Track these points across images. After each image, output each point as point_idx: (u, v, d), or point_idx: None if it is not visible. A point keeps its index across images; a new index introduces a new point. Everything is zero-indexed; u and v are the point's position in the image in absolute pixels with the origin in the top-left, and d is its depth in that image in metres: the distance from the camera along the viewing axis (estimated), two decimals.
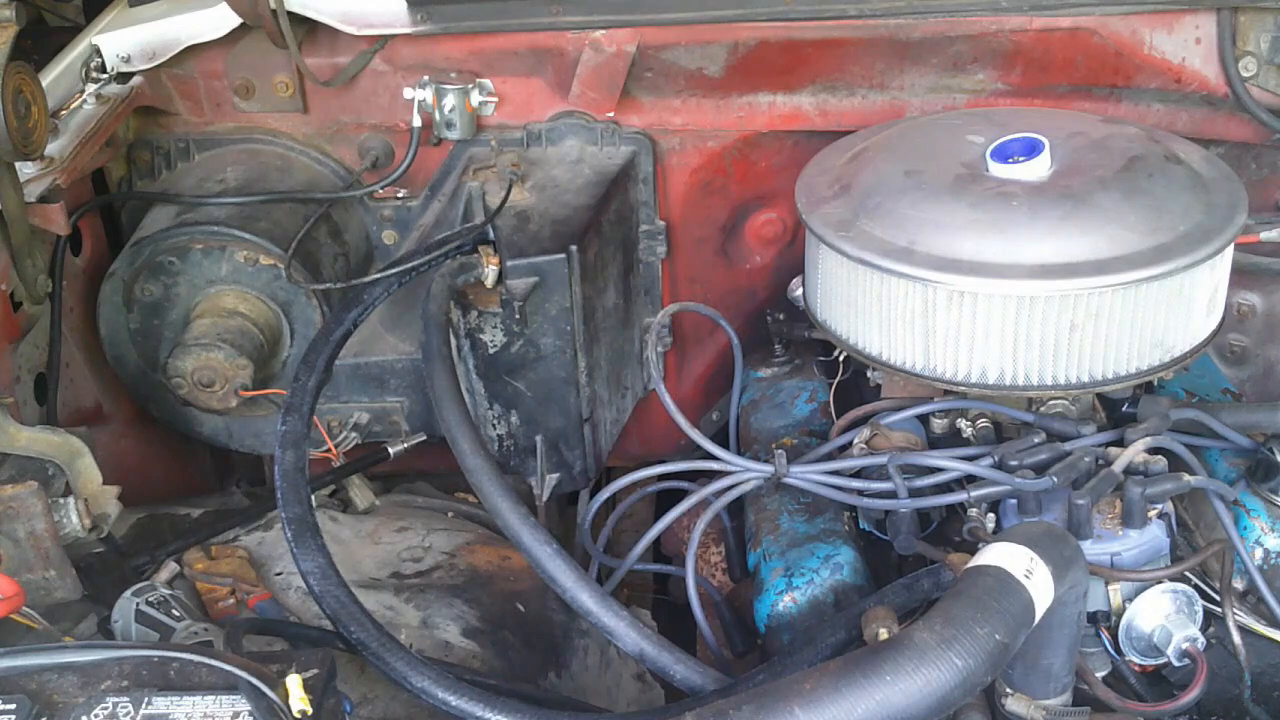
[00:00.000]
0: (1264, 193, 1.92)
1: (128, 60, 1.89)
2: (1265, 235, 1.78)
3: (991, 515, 1.40)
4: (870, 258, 1.45)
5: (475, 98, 1.91)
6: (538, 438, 1.86)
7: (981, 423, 1.53)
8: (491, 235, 1.73)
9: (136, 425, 1.93)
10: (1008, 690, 1.22)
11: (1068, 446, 1.42)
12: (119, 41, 1.88)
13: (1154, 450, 1.42)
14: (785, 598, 1.49)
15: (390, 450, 1.87)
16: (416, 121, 1.89)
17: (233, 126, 1.97)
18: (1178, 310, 1.43)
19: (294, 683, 1.00)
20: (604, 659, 1.72)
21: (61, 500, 1.41)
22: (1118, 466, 1.38)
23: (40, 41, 2.24)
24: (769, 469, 1.52)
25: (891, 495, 1.44)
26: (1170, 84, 1.84)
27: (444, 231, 1.86)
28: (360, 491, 1.85)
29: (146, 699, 1.01)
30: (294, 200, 1.87)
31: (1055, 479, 1.36)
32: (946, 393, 1.53)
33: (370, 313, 1.67)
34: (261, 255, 1.78)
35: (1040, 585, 1.09)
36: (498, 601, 1.65)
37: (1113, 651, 1.37)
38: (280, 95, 1.93)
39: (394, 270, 1.66)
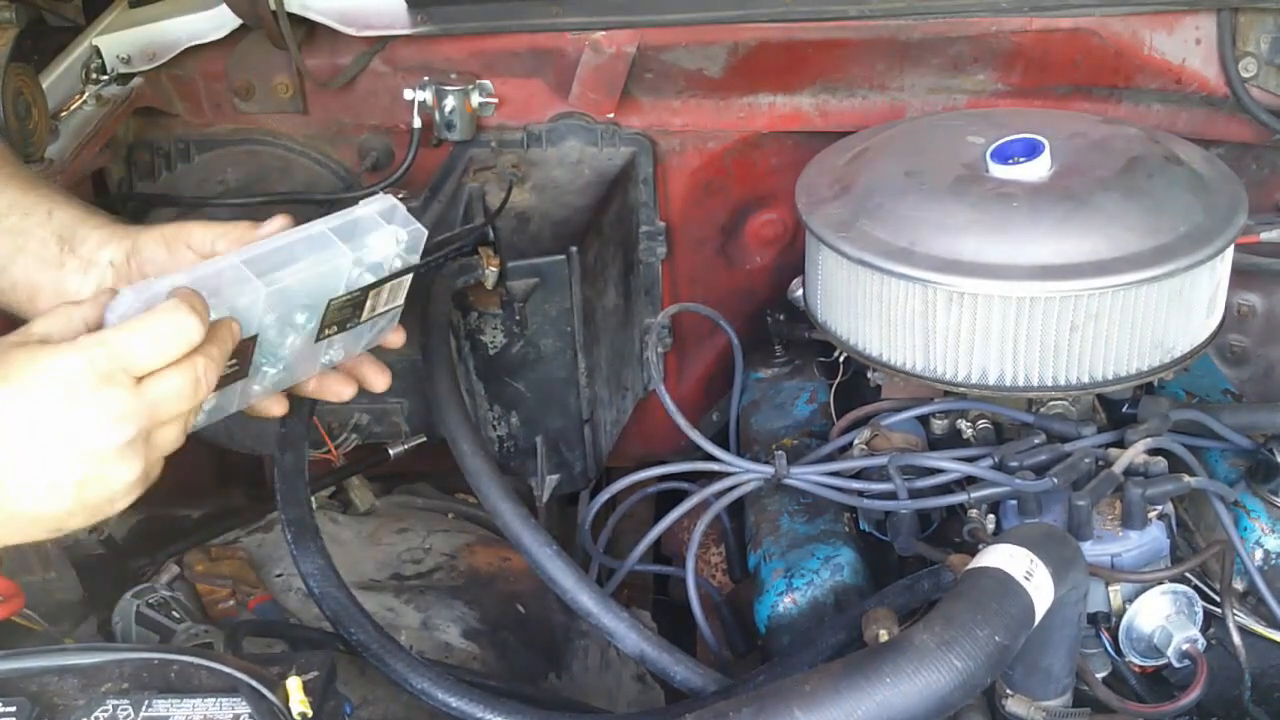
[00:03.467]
0: (1264, 193, 1.92)
1: (128, 61, 1.89)
2: (1265, 236, 1.77)
3: (991, 516, 1.40)
4: (870, 258, 1.45)
5: (475, 99, 1.91)
6: (538, 438, 1.86)
7: (982, 424, 1.53)
8: (492, 236, 1.72)
9: None
10: (1008, 691, 1.22)
11: (1068, 447, 1.42)
12: (119, 42, 1.88)
13: (1154, 451, 1.41)
14: (785, 599, 1.49)
15: (390, 451, 1.87)
16: (416, 123, 1.89)
17: (233, 128, 1.97)
18: (1178, 311, 1.43)
19: (294, 685, 0.99)
20: (604, 660, 1.72)
21: None
22: (1118, 467, 1.38)
23: (40, 41, 2.24)
24: (769, 470, 1.52)
25: (892, 496, 1.44)
26: (1170, 85, 1.84)
27: (444, 233, 1.86)
28: (360, 493, 1.85)
29: (147, 701, 1.01)
30: (294, 202, 1.87)
31: (1055, 480, 1.36)
32: (946, 394, 1.53)
33: None
34: None
35: (1040, 587, 1.09)
36: (498, 603, 1.65)
37: (1113, 652, 1.37)
38: (280, 96, 1.93)
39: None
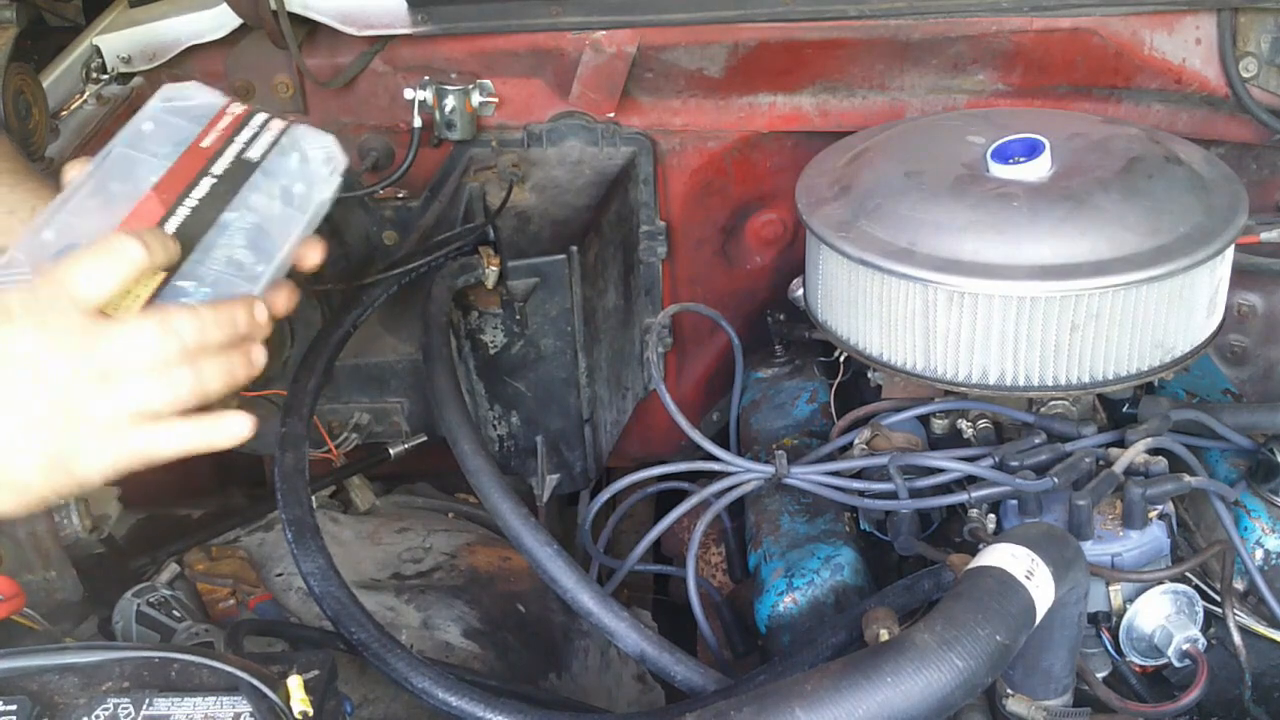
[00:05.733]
0: (1264, 193, 1.92)
1: (128, 61, 1.89)
2: (1265, 236, 1.78)
3: (992, 516, 1.40)
4: (871, 258, 1.45)
5: (475, 98, 1.91)
6: (538, 438, 1.86)
7: (982, 423, 1.53)
8: (492, 236, 1.73)
9: None
10: (1008, 691, 1.22)
11: (1068, 447, 1.42)
12: (119, 42, 1.89)
13: (1154, 451, 1.42)
14: (786, 598, 1.49)
15: (390, 451, 1.87)
16: (417, 122, 1.89)
17: None
18: (1178, 311, 1.43)
19: (295, 684, 1.00)
20: (604, 660, 1.73)
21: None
22: (1118, 467, 1.38)
23: (40, 41, 2.24)
24: (769, 470, 1.52)
25: (892, 496, 1.44)
26: (1171, 85, 1.84)
27: (444, 232, 1.87)
28: (361, 492, 1.85)
29: (147, 700, 1.01)
30: None
31: (1056, 480, 1.36)
32: (947, 393, 1.53)
33: (370, 314, 1.67)
34: None
35: (1041, 586, 1.09)
36: (498, 602, 1.65)
37: (1113, 652, 1.37)
38: (280, 96, 1.93)
39: (394, 272, 1.66)
